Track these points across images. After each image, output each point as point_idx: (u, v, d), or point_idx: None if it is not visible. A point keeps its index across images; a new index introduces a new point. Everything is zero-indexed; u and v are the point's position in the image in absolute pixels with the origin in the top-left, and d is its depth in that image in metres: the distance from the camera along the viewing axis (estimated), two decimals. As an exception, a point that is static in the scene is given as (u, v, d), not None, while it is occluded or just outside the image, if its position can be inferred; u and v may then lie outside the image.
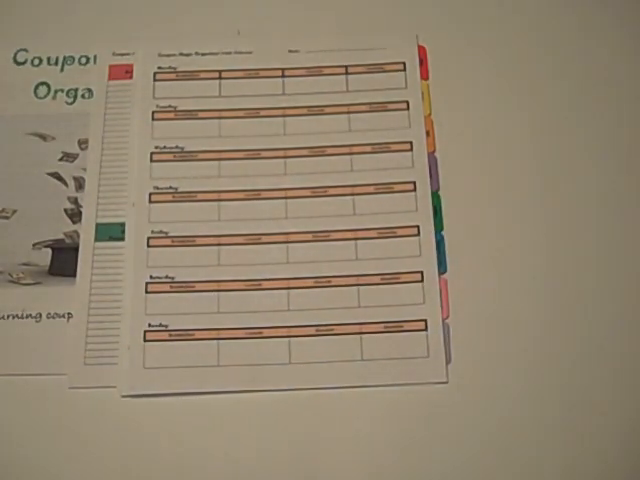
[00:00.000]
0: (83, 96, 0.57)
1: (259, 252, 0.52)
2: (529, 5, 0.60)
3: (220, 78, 0.57)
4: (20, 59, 0.58)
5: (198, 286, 0.51)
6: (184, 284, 0.51)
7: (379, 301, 0.50)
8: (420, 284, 0.51)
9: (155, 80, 0.57)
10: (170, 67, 0.57)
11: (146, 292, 0.51)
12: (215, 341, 0.49)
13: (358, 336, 0.50)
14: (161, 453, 0.47)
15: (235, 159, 0.54)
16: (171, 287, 0.51)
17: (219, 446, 0.47)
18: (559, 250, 0.52)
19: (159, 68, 0.57)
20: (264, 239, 0.52)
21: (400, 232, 0.52)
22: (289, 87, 0.57)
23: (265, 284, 0.51)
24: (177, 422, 0.48)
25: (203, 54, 0.58)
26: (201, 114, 0.56)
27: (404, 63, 0.57)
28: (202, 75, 0.57)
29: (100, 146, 0.55)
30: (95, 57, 0.58)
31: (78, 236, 0.53)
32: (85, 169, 0.54)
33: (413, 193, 0.53)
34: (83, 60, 0.58)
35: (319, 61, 0.57)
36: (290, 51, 0.58)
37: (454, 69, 0.58)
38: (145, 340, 0.49)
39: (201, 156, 0.54)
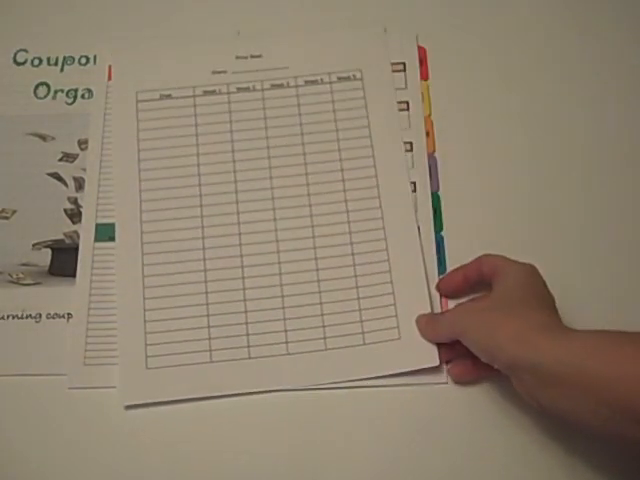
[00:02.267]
0: (83, 96, 0.57)
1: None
2: (529, 5, 0.60)
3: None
4: (20, 59, 0.58)
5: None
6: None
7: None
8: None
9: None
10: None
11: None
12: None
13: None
14: (161, 453, 0.47)
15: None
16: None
17: (220, 446, 0.48)
18: (559, 249, 0.52)
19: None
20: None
21: None
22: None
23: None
24: (178, 422, 0.48)
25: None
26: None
27: (404, 63, 0.57)
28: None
29: (100, 146, 0.55)
30: (95, 57, 0.58)
31: (78, 236, 0.53)
32: (85, 169, 0.54)
33: (413, 194, 0.53)
34: (83, 60, 0.58)
35: None
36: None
37: (454, 69, 0.58)
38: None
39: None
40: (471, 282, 0.50)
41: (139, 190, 0.53)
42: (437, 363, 0.48)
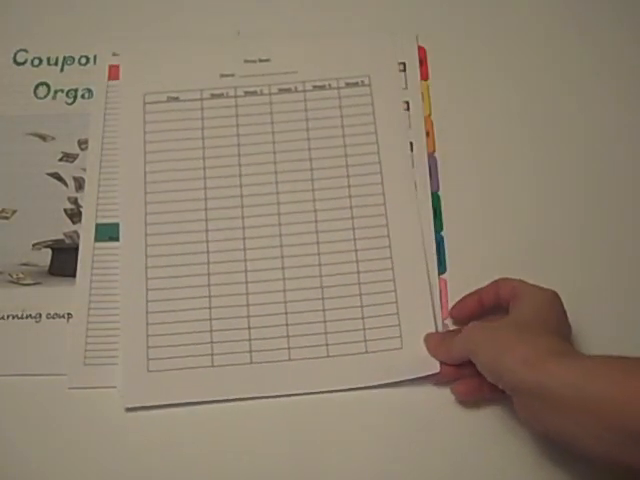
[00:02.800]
0: (83, 96, 0.57)
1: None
2: (529, 5, 0.60)
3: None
4: (20, 59, 0.58)
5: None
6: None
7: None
8: (420, 285, 0.51)
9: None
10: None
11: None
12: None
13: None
14: (161, 453, 0.47)
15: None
16: None
17: (220, 449, 0.48)
18: (559, 249, 0.52)
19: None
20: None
21: None
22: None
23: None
24: (178, 423, 0.48)
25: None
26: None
27: (404, 63, 0.57)
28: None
29: (100, 146, 0.55)
30: (95, 57, 0.58)
31: (78, 236, 0.53)
32: (85, 169, 0.54)
33: None
34: (83, 60, 0.58)
35: None
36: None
37: (454, 69, 0.58)
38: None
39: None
40: (487, 306, 0.49)
41: (144, 192, 0.53)
42: (438, 370, 0.48)
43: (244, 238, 0.52)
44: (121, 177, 0.54)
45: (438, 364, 0.48)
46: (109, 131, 0.55)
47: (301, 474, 0.47)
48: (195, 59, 0.57)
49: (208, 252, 0.51)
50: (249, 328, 0.50)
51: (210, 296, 0.50)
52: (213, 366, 0.49)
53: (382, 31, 0.58)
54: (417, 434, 0.48)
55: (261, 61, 0.57)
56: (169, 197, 0.53)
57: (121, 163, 0.54)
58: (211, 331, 0.50)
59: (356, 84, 0.56)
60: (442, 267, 0.52)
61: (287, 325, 0.50)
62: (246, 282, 0.51)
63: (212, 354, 0.49)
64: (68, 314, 0.51)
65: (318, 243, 0.52)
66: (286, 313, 0.50)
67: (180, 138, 0.55)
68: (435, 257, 0.51)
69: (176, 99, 0.56)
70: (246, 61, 0.57)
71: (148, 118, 0.55)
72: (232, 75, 0.56)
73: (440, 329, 0.50)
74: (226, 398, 0.48)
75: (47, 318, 0.51)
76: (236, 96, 0.56)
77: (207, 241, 0.52)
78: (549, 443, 0.46)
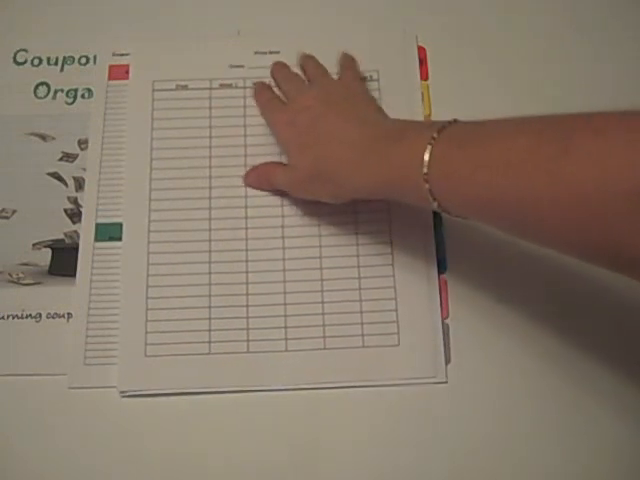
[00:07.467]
0: (83, 96, 0.57)
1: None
2: (529, 5, 0.60)
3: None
4: (20, 59, 0.58)
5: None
6: None
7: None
8: (420, 284, 0.51)
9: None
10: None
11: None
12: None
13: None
14: (161, 452, 0.47)
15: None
16: None
17: (219, 444, 0.48)
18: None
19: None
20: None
21: None
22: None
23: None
24: (177, 421, 0.48)
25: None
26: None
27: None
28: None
29: (100, 146, 0.55)
30: (95, 57, 0.58)
31: (78, 236, 0.53)
32: (85, 169, 0.54)
33: None
34: (83, 60, 0.58)
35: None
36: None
37: (454, 69, 0.58)
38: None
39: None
40: None
41: (149, 177, 0.53)
42: (434, 374, 0.48)
43: (246, 228, 0.52)
44: (127, 164, 0.54)
45: (435, 369, 0.48)
46: (109, 131, 0.55)
47: (297, 469, 0.47)
48: (205, 49, 0.58)
49: (210, 240, 0.52)
50: (247, 317, 0.50)
51: (210, 284, 0.51)
52: (210, 354, 0.49)
53: (382, 30, 0.58)
54: (415, 432, 0.48)
55: (271, 53, 0.57)
56: (174, 184, 0.53)
57: (128, 152, 0.54)
58: (210, 319, 0.50)
59: (364, 79, 0.56)
60: (442, 266, 0.52)
61: (285, 316, 0.50)
62: (246, 272, 0.51)
63: (210, 342, 0.49)
64: (68, 314, 0.51)
65: (320, 236, 0.52)
66: (285, 304, 0.50)
67: (187, 126, 0.55)
68: (435, 257, 0.51)
69: (185, 87, 0.56)
70: (256, 52, 0.57)
71: (156, 105, 0.55)
72: (242, 66, 0.57)
73: (439, 328, 0.50)
74: (222, 389, 0.48)
75: (47, 318, 0.51)
76: (245, 87, 0.56)
77: (210, 229, 0.52)
78: (548, 443, 0.47)
